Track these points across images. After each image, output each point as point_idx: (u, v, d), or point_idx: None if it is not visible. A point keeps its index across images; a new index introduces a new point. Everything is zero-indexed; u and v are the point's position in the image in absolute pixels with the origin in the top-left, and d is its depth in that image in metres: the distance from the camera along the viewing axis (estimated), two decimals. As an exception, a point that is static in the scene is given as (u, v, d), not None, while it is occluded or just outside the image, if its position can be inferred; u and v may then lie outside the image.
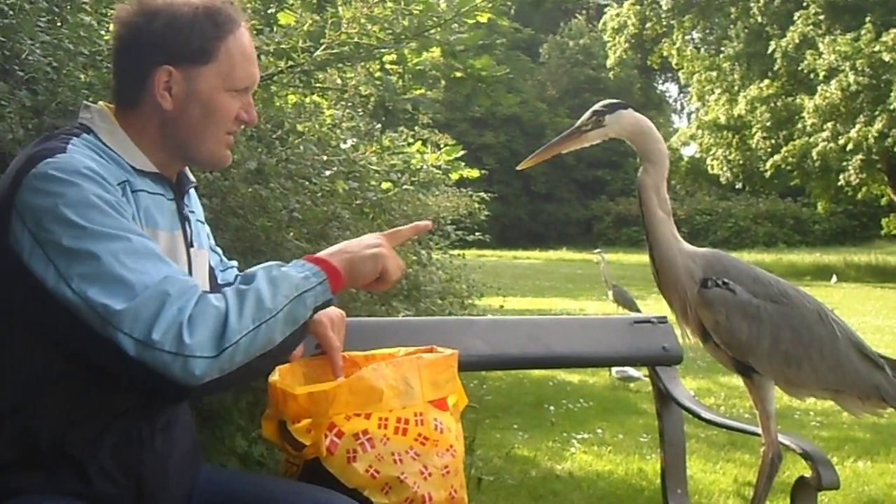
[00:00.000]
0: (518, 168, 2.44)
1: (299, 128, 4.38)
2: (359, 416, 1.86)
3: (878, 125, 24.43)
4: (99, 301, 1.52)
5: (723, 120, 30.17)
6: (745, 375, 2.33)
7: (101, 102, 1.86)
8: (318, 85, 4.82)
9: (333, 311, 2.09)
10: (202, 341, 1.54)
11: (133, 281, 1.54)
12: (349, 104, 4.99)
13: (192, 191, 2.01)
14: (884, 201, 29.81)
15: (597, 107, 2.27)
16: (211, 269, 2.08)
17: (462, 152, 5.94)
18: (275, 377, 1.95)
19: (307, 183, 4.14)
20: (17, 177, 1.61)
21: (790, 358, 2.26)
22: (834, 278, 24.39)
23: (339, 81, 4.84)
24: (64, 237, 1.55)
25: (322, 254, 1.79)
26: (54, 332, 1.60)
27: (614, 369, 7.83)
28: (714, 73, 32.46)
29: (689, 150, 35.72)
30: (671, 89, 67.67)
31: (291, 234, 3.65)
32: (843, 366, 2.30)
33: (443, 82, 4.98)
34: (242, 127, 1.94)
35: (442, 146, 6.33)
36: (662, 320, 2.86)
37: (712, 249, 2.37)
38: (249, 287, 1.64)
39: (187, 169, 1.95)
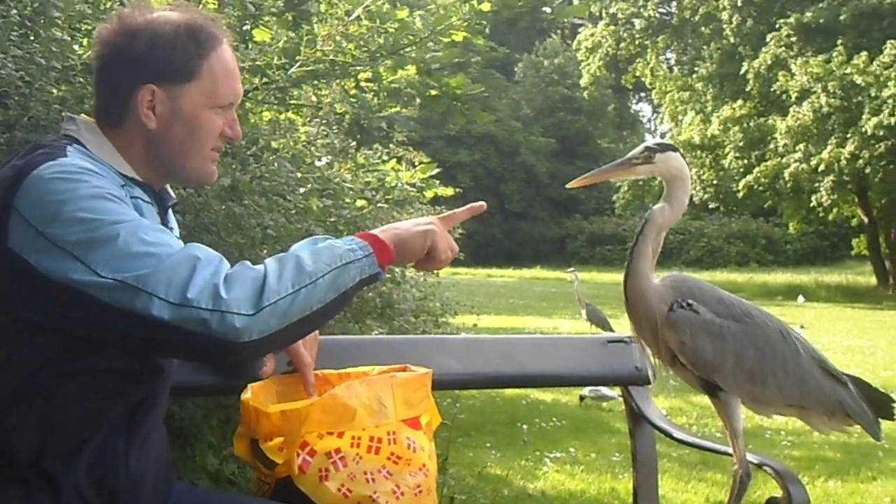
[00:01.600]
0: (567, 187, 2.50)
1: (274, 144, 4.38)
2: (331, 434, 1.86)
3: (849, 147, 24.68)
4: (130, 275, 1.54)
5: (696, 140, 30.40)
6: (712, 394, 2.36)
7: (82, 115, 1.86)
8: (292, 102, 4.83)
9: None
10: (239, 298, 1.56)
11: (157, 251, 1.57)
12: (324, 121, 5.00)
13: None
14: (854, 222, 30.13)
15: (649, 143, 2.35)
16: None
17: (436, 170, 5.95)
18: (247, 394, 1.95)
19: (281, 200, 4.14)
20: (14, 181, 1.62)
21: (754, 375, 2.30)
22: (801, 298, 24.54)
23: (313, 99, 4.85)
24: (80, 230, 1.56)
25: (372, 231, 1.82)
26: (76, 325, 1.61)
27: (587, 388, 7.85)
28: (687, 94, 32.77)
29: (663, 170, 35.82)
30: (645, 109, 68.12)
31: (265, 251, 3.65)
32: (806, 382, 2.34)
33: (418, 100, 5.00)
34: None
35: (416, 164, 6.34)
36: (635, 340, 2.87)
37: (678, 273, 2.41)
38: (289, 254, 1.68)
39: (168, 186, 1.95)
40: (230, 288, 1.56)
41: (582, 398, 8.16)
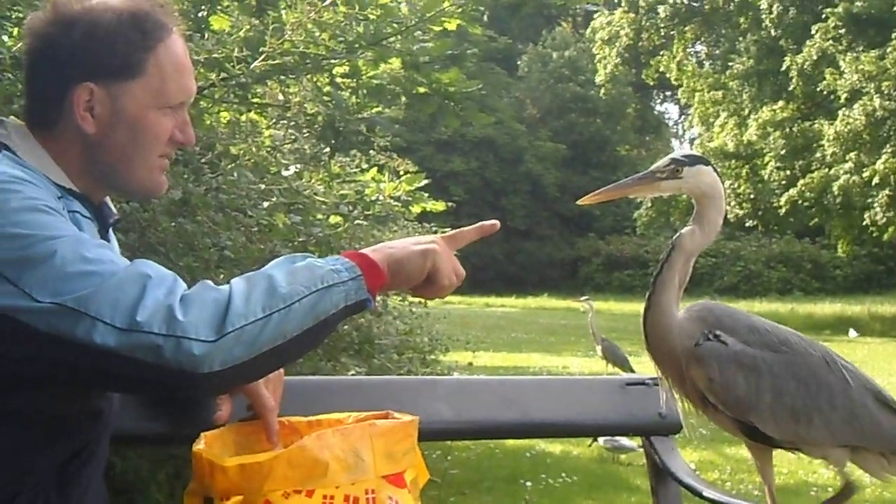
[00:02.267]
0: (579, 203, 2.52)
1: (233, 150, 4.39)
2: (299, 493, 1.85)
3: (907, 156, 24.81)
4: (70, 297, 1.53)
5: (730, 147, 30.54)
6: (752, 438, 2.36)
7: (11, 117, 1.86)
8: (255, 100, 4.83)
9: None
10: (198, 322, 1.55)
11: (99, 269, 1.56)
12: (292, 123, 5.01)
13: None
14: (915, 244, 30.26)
15: (676, 155, 2.36)
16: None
17: (425, 181, 5.95)
18: (200, 445, 1.93)
19: (241, 216, 4.15)
20: None
21: (797, 412, 2.29)
22: (852, 332, 24.54)
23: (280, 97, 4.86)
24: (11, 248, 1.56)
25: (362, 250, 1.81)
26: (4, 359, 1.59)
27: (602, 438, 7.85)
28: (720, 93, 32.94)
29: (691, 182, 36.00)
30: (671, 110, 68.46)
31: (222, 275, 3.65)
32: (858, 417, 2.33)
33: (403, 99, 5.01)
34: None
35: (402, 174, 6.34)
36: (659, 381, 2.87)
37: (704, 302, 2.42)
38: (261, 273, 1.67)
39: (108, 199, 1.95)
40: (187, 309, 1.55)
41: (590, 445, 8.14)
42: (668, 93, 54.54)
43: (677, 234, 2.33)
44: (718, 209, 2.34)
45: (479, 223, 2.03)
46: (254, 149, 4.56)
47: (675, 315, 2.31)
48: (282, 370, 2.11)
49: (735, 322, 2.33)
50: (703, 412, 2.36)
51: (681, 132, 63.35)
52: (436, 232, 9.41)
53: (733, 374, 2.25)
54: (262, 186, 4.35)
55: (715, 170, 2.34)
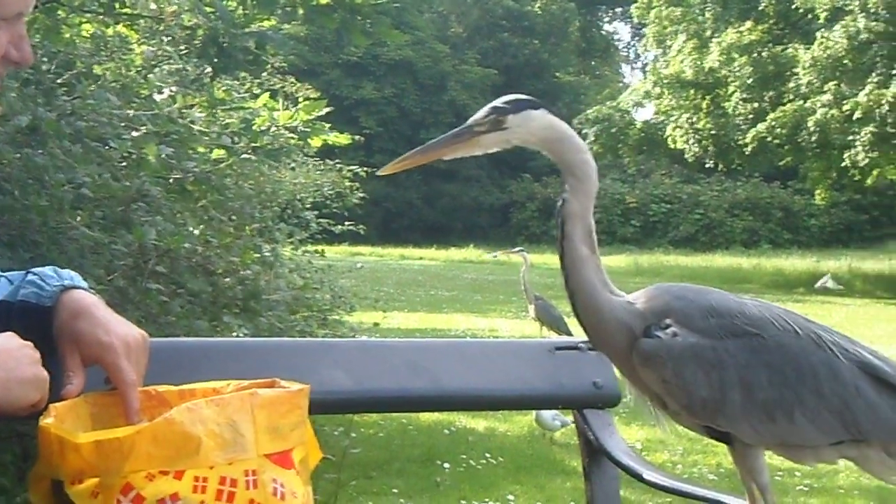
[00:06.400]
0: (380, 174, 2.42)
1: (96, 70, 4.33)
2: (166, 474, 1.85)
3: (895, 87, 25.07)
4: None
5: (689, 74, 30.69)
6: (729, 443, 2.32)
7: None
8: (124, 11, 4.76)
9: (129, 332, 2.05)
10: None
11: None
12: (167, 38, 4.95)
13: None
14: (901, 189, 30.74)
15: (497, 102, 2.25)
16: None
17: (328, 109, 5.91)
18: (49, 419, 1.92)
19: (103, 147, 4.09)
20: None
21: (772, 408, 2.22)
22: (829, 282, 24.86)
23: (153, 6, 4.79)
24: None
25: None
26: None
27: (536, 412, 7.91)
28: (678, 10, 33.01)
29: (645, 114, 36.40)
30: (621, 30, 68.55)
31: (79, 217, 3.60)
32: (851, 406, 2.21)
33: (301, 11, 4.96)
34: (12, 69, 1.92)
35: (300, 100, 6.30)
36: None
37: (658, 285, 2.34)
38: None
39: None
40: None
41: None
42: (619, 9, 54.70)
43: (558, 203, 2.25)
44: (576, 149, 2.20)
45: None
46: (122, 69, 4.51)
47: (607, 300, 2.25)
48: (146, 335, 2.09)
49: (688, 305, 2.23)
50: (671, 417, 2.32)
51: (632, 56, 63.72)
52: (340, 170, 9.39)
53: (691, 371, 2.18)
54: (130, 112, 4.29)
55: (550, 110, 2.26)
